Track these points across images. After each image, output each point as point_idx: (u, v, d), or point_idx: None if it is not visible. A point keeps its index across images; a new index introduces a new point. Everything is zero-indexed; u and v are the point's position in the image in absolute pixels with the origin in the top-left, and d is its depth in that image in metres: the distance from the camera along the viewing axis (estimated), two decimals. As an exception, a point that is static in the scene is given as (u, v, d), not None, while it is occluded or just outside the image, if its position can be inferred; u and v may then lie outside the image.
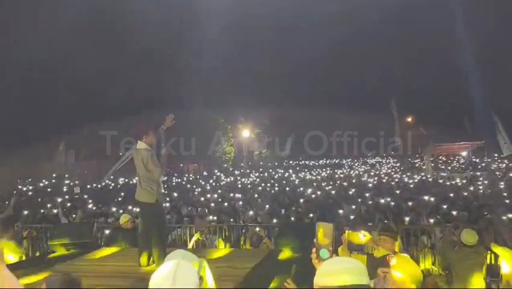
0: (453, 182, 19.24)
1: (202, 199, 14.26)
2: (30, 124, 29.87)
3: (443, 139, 34.11)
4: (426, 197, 12.39)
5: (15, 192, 17.04)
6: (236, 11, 37.84)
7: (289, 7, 42.33)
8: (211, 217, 9.34)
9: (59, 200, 14.32)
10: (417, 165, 36.21)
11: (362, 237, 2.33)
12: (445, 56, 43.40)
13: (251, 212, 10.12)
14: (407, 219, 8.34)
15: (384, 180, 22.19)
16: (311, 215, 9.63)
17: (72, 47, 33.91)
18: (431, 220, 8.38)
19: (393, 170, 32.88)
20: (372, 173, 28.94)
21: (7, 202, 11.93)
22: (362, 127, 35.49)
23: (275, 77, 46.08)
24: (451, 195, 13.62)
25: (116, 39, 35.25)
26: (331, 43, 45.36)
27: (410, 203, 11.10)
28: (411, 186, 18.41)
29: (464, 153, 34.26)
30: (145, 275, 3.46)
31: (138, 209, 6.34)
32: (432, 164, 27.14)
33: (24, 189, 20.48)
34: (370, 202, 11.94)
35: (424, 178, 22.41)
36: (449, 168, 31.54)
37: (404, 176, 24.79)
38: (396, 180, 22.16)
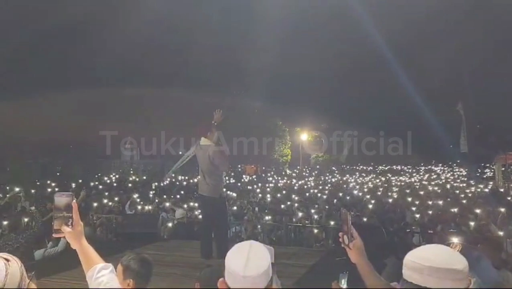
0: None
1: (260, 199, 14.45)
2: (100, 124, 31.90)
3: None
4: (497, 208, 11.58)
5: (84, 186, 18.26)
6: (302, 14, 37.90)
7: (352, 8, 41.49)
8: (267, 217, 9.46)
9: (124, 194, 15.14)
10: (486, 175, 33.98)
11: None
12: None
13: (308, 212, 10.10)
14: (471, 224, 7.87)
15: (449, 188, 21.06)
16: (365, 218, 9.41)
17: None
18: (501, 233, 7.85)
19: (459, 179, 31.13)
20: (434, 181, 27.60)
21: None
22: (422, 130, 34.00)
23: (335, 81, 45.53)
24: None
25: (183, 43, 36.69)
26: (397, 43, 43.82)
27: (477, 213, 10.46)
28: (480, 195, 17.29)
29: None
30: (206, 266, 3.62)
31: (199, 203, 6.56)
32: (502, 175, 25.41)
33: (95, 183, 21.84)
34: (430, 212, 11.39)
35: (494, 188, 21.00)
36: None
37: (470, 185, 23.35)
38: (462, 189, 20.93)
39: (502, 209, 11.30)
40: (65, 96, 32.05)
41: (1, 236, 5.85)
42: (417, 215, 10.27)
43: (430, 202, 13.69)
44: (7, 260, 1.47)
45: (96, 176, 26.03)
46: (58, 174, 25.10)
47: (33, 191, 14.89)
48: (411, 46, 45.72)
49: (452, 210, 11.59)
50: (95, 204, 11.48)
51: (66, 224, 1.76)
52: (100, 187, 18.93)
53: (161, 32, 35.62)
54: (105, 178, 24.47)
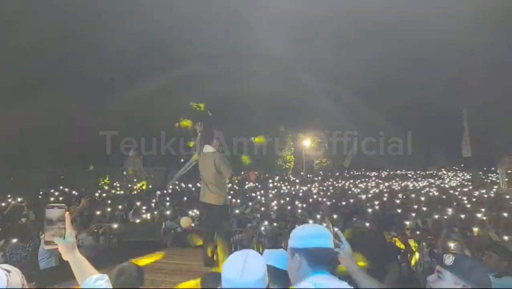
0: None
1: (263, 206, 14.44)
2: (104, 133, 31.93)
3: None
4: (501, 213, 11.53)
5: (86, 195, 18.33)
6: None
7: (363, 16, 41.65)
8: (275, 224, 9.46)
9: (127, 202, 15.18)
10: (489, 180, 33.85)
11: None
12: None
13: (311, 221, 10.08)
14: (475, 230, 7.89)
15: (453, 193, 20.97)
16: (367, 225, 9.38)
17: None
18: (506, 237, 7.83)
19: (462, 184, 31.05)
20: (438, 186, 27.52)
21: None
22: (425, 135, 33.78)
23: (337, 88, 45.66)
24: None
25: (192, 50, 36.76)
26: (400, 50, 43.99)
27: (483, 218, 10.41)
28: (483, 200, 17.22)
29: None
30: (209, 273, 3.64)
31: (200, 211, 6.57)
32: (507, 179, 25.31)
33: (99, 191, 21.90)
34: (436, 216, 11.36)
35: (498, 192, 20.90)
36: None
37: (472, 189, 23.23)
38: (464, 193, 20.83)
39: (505, 214, 11.29)
40: (68, 101, 31.99)
41: (7, 245, 5.87)
42: (420, 221, 10.24)
43: (433, 207, 13.66)
44: (8, 271, 1.50)
45: (100, 184, 26.11)
46: (61, 182, 25.13)
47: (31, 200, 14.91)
48: (414, 47, 45.82)
49: (456, 215, 11.57)
50: (98, 213, 11.54)
51: (59, 236, 1.73)
52: (104, 195, 18.98)
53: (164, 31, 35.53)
54: (108, 186, 24.56)
